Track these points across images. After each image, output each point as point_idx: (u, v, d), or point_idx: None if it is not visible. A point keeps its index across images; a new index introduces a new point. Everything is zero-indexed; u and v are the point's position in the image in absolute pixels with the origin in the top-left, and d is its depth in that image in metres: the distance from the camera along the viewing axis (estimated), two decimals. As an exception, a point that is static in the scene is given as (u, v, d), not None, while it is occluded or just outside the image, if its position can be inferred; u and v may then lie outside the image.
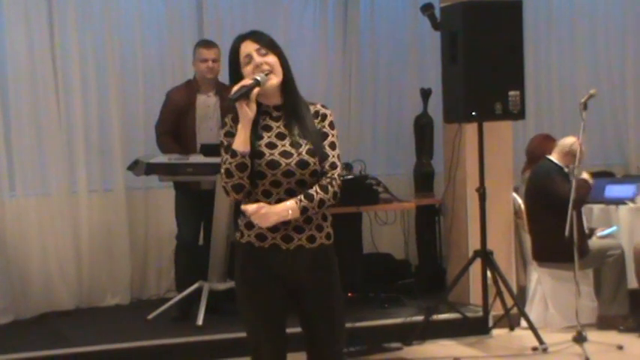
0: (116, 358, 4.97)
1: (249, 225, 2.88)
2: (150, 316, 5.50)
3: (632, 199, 6.05)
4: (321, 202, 2.86)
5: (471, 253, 5.58)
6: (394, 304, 5.79)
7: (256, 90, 2.81)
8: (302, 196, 2.83)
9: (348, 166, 6.04)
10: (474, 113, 5.31)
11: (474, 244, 5.61)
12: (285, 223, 2.85)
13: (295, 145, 2.86)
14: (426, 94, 6.49)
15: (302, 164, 2.85)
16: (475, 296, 5.69)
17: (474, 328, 5.52)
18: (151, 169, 5.37)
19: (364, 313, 5.51)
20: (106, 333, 5.33)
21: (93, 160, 6.11)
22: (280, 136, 2.89)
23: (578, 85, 7.12)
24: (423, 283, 6.20)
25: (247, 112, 2.80)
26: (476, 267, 5.54)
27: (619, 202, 6.03)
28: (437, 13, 5.78)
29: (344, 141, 6.61)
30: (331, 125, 2.94)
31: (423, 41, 6.68)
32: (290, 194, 2.84)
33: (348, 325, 5.22)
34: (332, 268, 2.95)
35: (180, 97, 5.57)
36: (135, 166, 5.47)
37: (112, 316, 5.88)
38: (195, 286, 5.43)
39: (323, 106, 2.98)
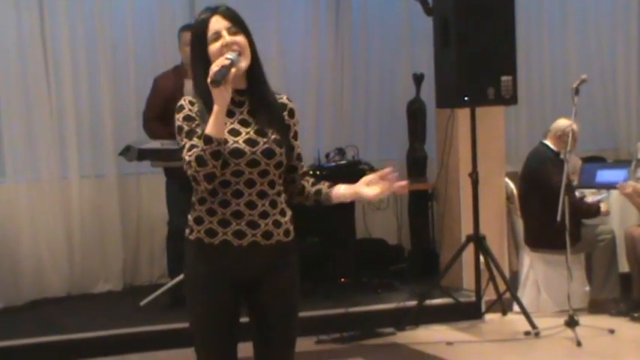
0: (108, 345, 4.95)
1: (199, 220, 2.65)
2: (142, 303, 5.48)
3: (624, 184, 6.06)
4: None
5: (463, 238, 5.59)
6: (387, 290, 5.79)
7: (233, 70, 2.57)
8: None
9: (341, 152, 6.03)
10: (466, 98, 5.31)
11: (466, 229, 5.62)
12: (238, 217, 2.62)
13: (261, 133, 2.66)
14: (418, 79, 6.47)
15: (268, 153, 2.63)
16: (468, 281, 5.70)
17: (467, 312, 5.53)
18: (143, 154, 5.34)
19: (357, 298, 5.52)
20: (99, 319, 5.31)
21: (84, 146, 6.08)
22: (244, 123, 2.67)
23: (569, 70, 7.12)
24: (416, 269, 6.21)
25: (225, 94, 2.56)
26: (469, 252, 5.55)
27: (610, 186, 6.03)
28: (429, -2, 5.76)
29: (337, 126, 6.66)
30: (298, 122, 2.79)
31: (416, 26, 6.64)
32: (250, 186, 2.62)
33: (342, 310, 5.29)
34: (290, 266, 2.71)
35: (168, 83, 5.54)
36: (127, 152, 5.44)
37: (104, 302, 5.87)
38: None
39: (289, 100, 2.78)
